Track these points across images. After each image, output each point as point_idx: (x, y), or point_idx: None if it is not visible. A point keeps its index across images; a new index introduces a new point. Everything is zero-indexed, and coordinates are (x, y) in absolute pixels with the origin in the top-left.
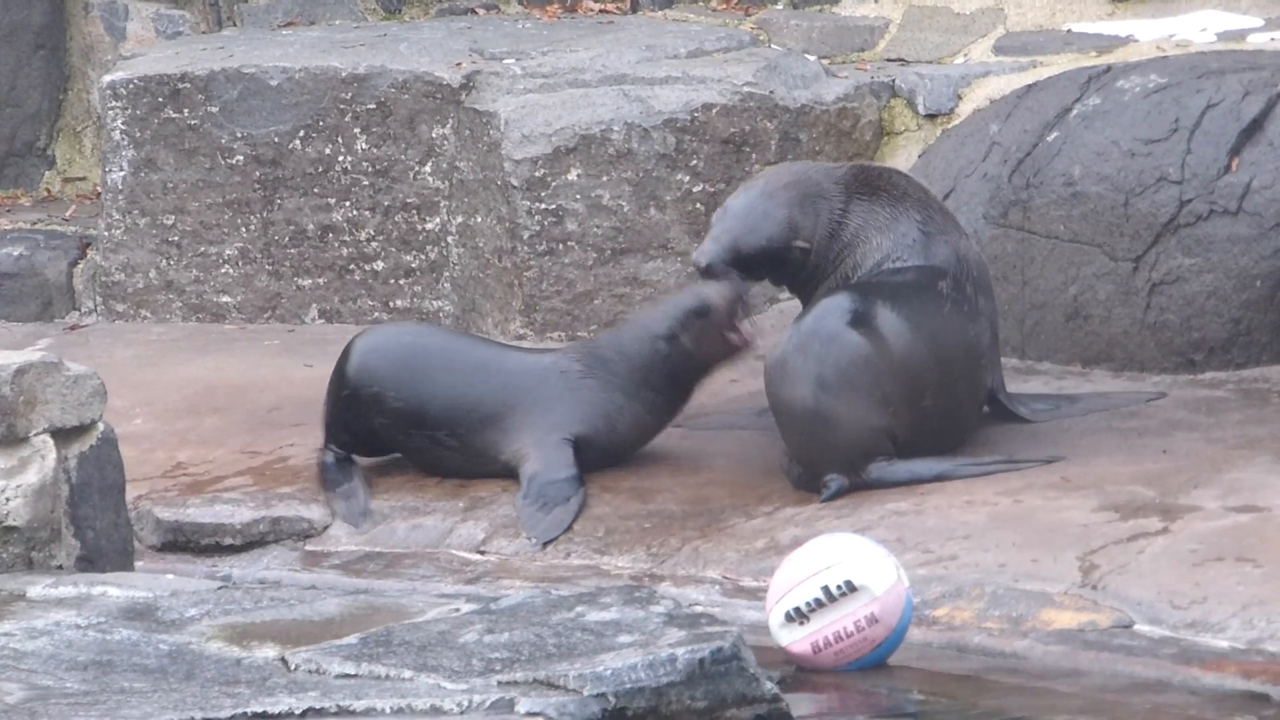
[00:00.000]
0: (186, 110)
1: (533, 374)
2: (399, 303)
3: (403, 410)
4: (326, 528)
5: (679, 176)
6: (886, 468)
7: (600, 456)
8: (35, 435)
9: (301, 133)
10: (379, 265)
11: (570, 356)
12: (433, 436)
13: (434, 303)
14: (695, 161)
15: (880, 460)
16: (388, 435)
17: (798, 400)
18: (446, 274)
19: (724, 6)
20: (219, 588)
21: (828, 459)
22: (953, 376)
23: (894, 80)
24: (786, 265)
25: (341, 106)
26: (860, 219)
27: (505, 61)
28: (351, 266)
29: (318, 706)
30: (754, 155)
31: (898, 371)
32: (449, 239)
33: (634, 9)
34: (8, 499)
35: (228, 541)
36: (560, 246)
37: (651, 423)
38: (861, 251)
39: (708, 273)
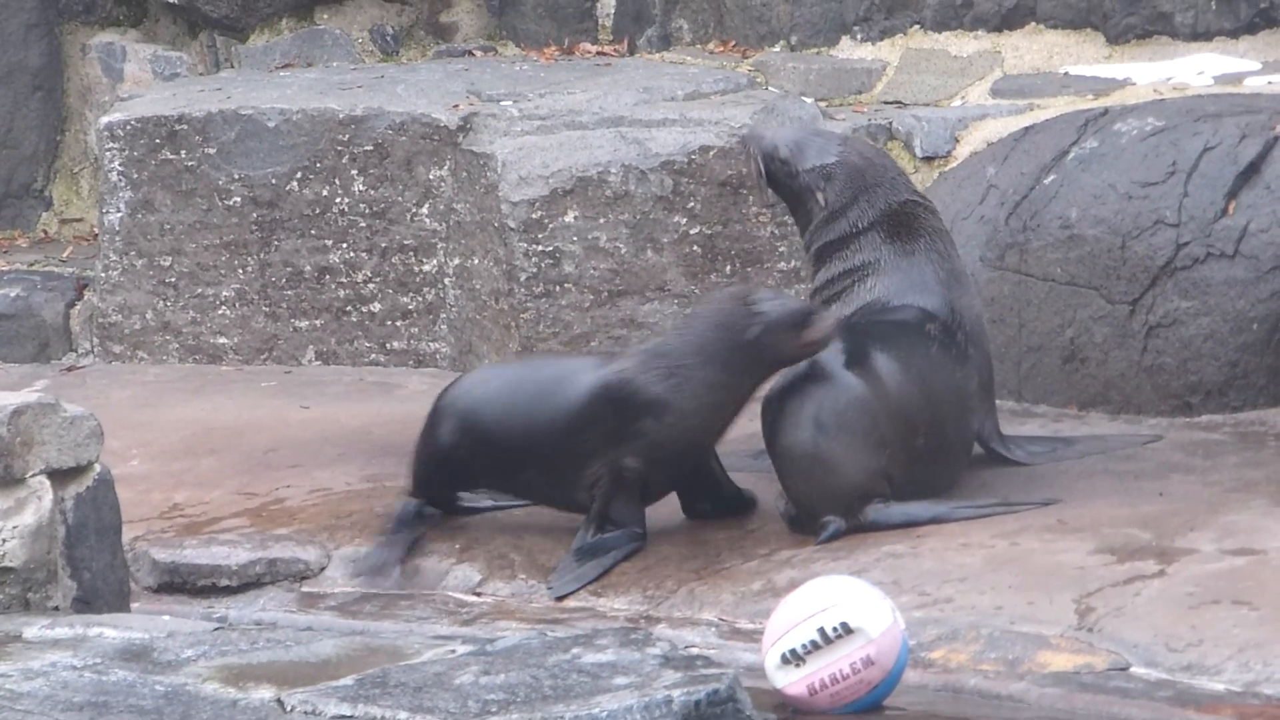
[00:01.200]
0: (184, 152)
1: (592, 385)
2: (396, 344)
3: (492, 465)
4: (323, 569)
5: (676, 219)
6: (883, 510)
7: (676, 448)
8: (32, 476)
9: (299, 174)
10: (376, 307)
11: (630, 357)
12: (525, 479)
13: (431, 344)
14: (692, 204)
15: (877, 502)
16: (492, 484)
17: (796, 443)
18: (443, 316)
19: (721, 49)
20: (215, 629)
21: (826, 501)
22: (942, 417)
23: (891, 122)
24: (798, 202)
25: (339, 148)
26: (868, 253)
27: (502, 103)
28: (348, 308)
29: None
30: (751, 198)
31: (893, 413)
32: (446, 281)
33: (631, 51)
34: (4, 540)
35: (224, 583)
36: (557, 288)
37: (724, 399)
38: (857, 291)
39: (744, 141)
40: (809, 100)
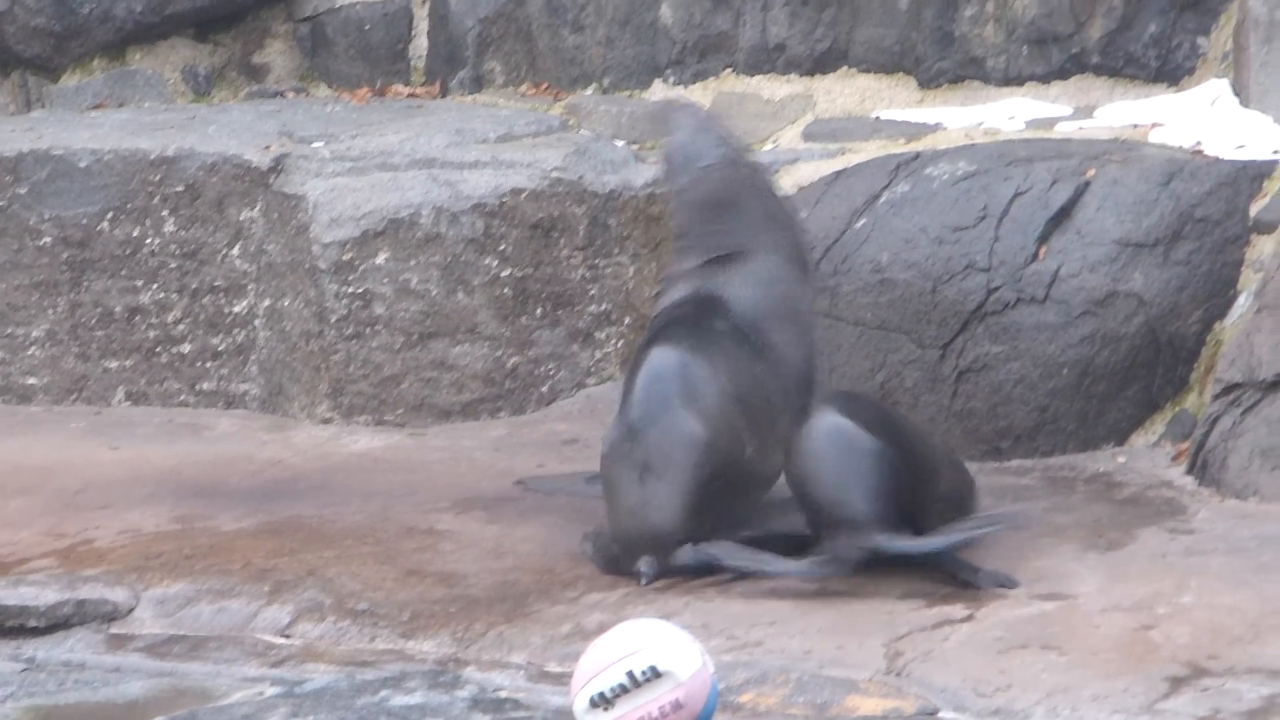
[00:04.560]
0: None
1: None
2: (206, 385)
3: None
4: (132, 610)
5: (487, 261)
6: (690, 552)
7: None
8: None
9: (110, 214)
10: (186, 348)
11: None
12: None
13: (241, 385)
14: (504, 246)
15: (686, 545)
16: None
17: (625, 482)
18: (254, 356)
19: (533, 91)
20: (23, 670)
21: (647, 541)
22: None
23: None
24: None
25: (150, 189)
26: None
27: (314, 144)
28: (158, 349)
29: None
30: (562, 240)
31: (716, 452)
32: (256, 322)
33: (444, 93)
34: None
35: (32, 623)
36: (368, 330)
37: None
38: (667, 291)
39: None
40: (621, 143)
